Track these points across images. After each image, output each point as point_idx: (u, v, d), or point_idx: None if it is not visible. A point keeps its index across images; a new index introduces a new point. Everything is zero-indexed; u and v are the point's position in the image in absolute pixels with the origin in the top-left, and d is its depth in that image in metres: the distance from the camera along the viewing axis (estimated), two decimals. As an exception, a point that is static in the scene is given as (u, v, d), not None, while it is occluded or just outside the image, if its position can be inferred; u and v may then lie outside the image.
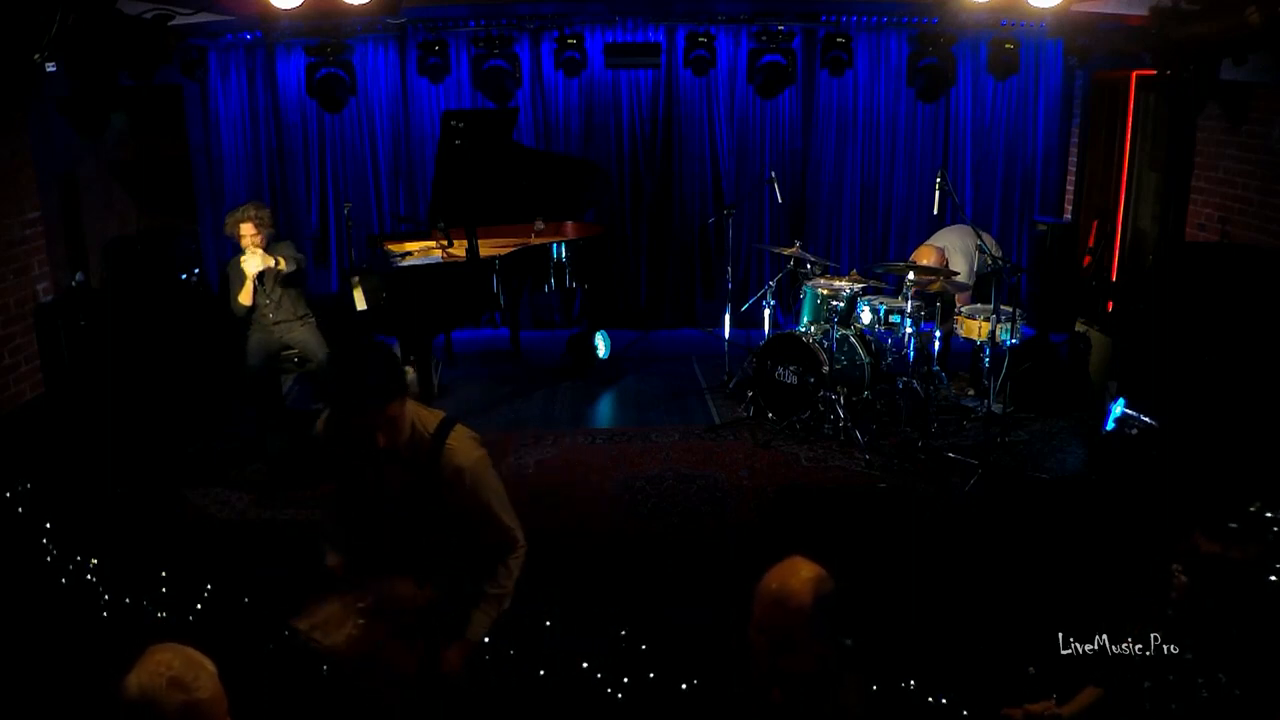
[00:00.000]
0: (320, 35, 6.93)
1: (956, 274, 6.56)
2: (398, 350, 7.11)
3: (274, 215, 5.94)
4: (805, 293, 6.78)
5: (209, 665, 2.01)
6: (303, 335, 5.97)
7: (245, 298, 5.78)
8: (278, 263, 5.61)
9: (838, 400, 6.17)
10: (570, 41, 7.64)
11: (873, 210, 8.73)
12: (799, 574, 2.20)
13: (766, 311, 7.07)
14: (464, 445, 2.81)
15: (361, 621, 2.76)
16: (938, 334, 6.35)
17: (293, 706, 3.12)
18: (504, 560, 2.91)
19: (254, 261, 5.59)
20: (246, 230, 5.71)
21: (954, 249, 7.14)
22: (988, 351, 6.14)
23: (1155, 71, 6.10)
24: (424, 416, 2.83)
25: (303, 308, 6.04)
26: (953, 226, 7.69)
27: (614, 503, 5.39)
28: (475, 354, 8.13)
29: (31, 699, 3.50)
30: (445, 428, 2.81)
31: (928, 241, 7.33)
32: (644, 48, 7.95)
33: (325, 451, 2.90)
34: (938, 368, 6.54)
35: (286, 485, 5.49)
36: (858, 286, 6.56)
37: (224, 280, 6.18)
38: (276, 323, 5.92)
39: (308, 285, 6.20)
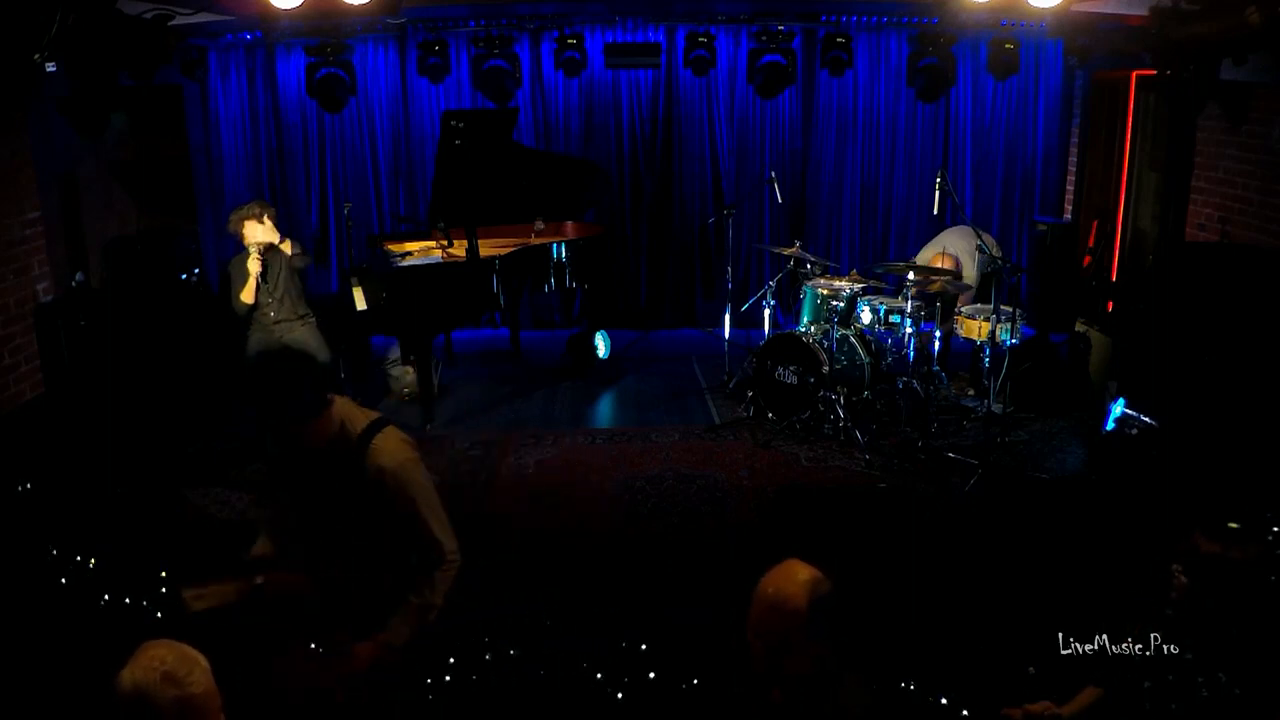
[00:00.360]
0: (320, 35, 6.93)
1: (966, 280, 6.57)
2: (398, 349, 7.13)
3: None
4: (805, 293, 6.78)
5: (202, 661, 2.02)
6: (303, 335, 5.98)
7: (248, 295, 5.79)
8: (282, 241, 5.66)
9: (838, 400, 6.17)
10: (570, 41, 7.64)
11: (873, 210, 8.73)
12: (795, 578, 2.19)
13: (766, 311, 7.07)
14: (390, 446, 2.74)
15: (240, 602, 2.74)
16: (938, 334, 6.35)
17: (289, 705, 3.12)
18: (430, 572, 2.80)
19: (260, 232, 5.62)
20: (251, 228, 5.74)
21: (963, 252, 7.15)
22: (988, 351, 6.14)
23: (1155, 71, 6.10)
24: (354, 416, 2.78)
25: (303, 307, 6.04)
26: (954, 228, 7.68)
27: (614, 503, 5.39)
28: (475, 354, 8.13)
29: (31, 699, 3.49)
30: (373, 429, 2.76)
31: (936, 247, 7.28)
32: (644, 48, 7.95)
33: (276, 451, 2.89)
34: (938, 368, 6.54)
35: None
36: (858, 286, 6.56)
37: (225, 279, 6.18)
38: (277, 322, 5.93)
39: (308, 285, 6.21)
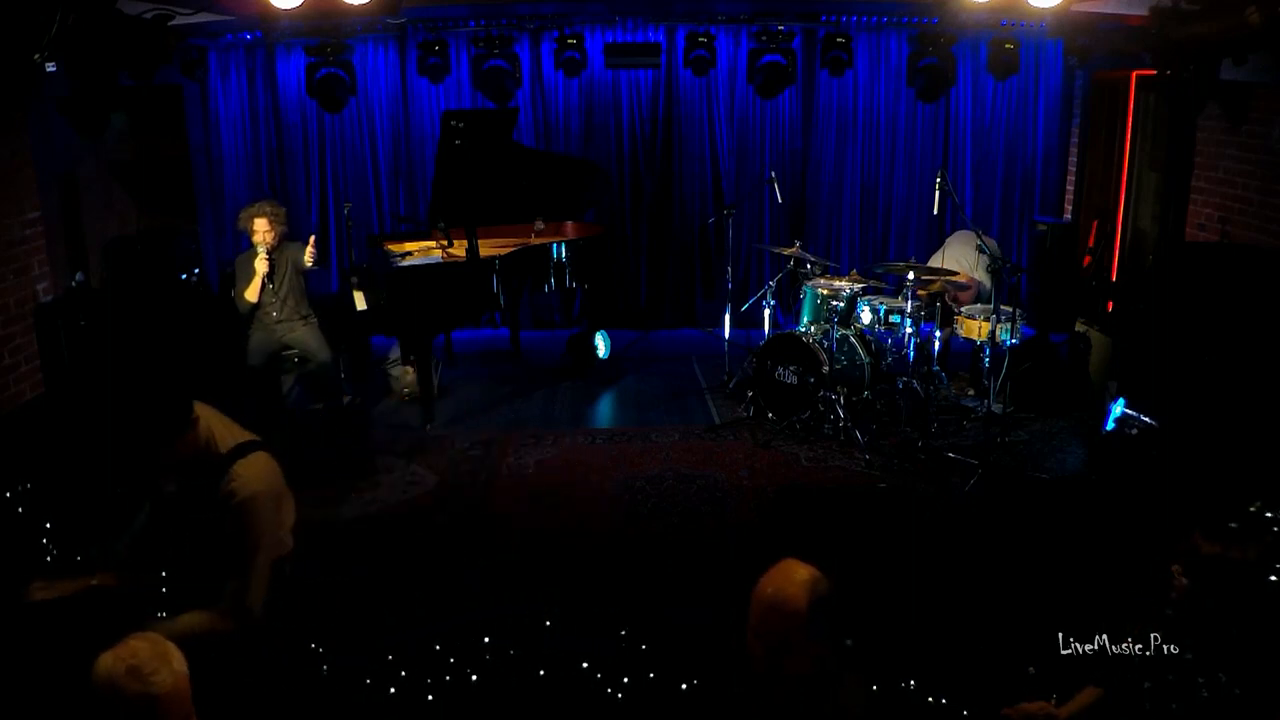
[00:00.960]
0: (320, 35, 6.93)
1: (984, 283, 6.58)
2: (398, 349, 7.12)
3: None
4: (805, 293, 6.78)
5: (175, 661, 2.02)
6: (303, 335, 5.99)
7: (252, 294, 5.82)
8: (307, 257, 5.87)
9: (838, 400, 6.17)
10: (570, 41, 7.64)
11: (873, 210, 8.73)
12: (794, 577, 2.19)
13: (766, 311, 7.07)
14: (249, 474, 2.73)
15: (72, 598, 2.79)
16: (938, 335, 6.36)
17: (283, 706, 3.12)
18: (215, 606, 2.73)
19: (308, 254, 5.86)
20: (260, 226, 5.77)
21: (971, 263, 7.15)
22: (988, 351, 6.14)
23: (1155, 71, 6.10)
24: (221, 435, 2.77)
25: (305, 307, 6.07)
26: (956, 235, 7.68)
27: (614, 503, 5.39)
28: (475, 354, 8.13)
29: (31, 700, 3.49)
30: (239, 452, 2.75)
31: (948, 262, 7.24)
32: (644, 48, 7.95)
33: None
34: (938, 368, 6.54)
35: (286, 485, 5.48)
36: (858, 286, 6.56)
37: (229, 276, 6.19)
38: (278, 321, 5.95)
39: (309, 285, 6.23)
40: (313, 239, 5.97)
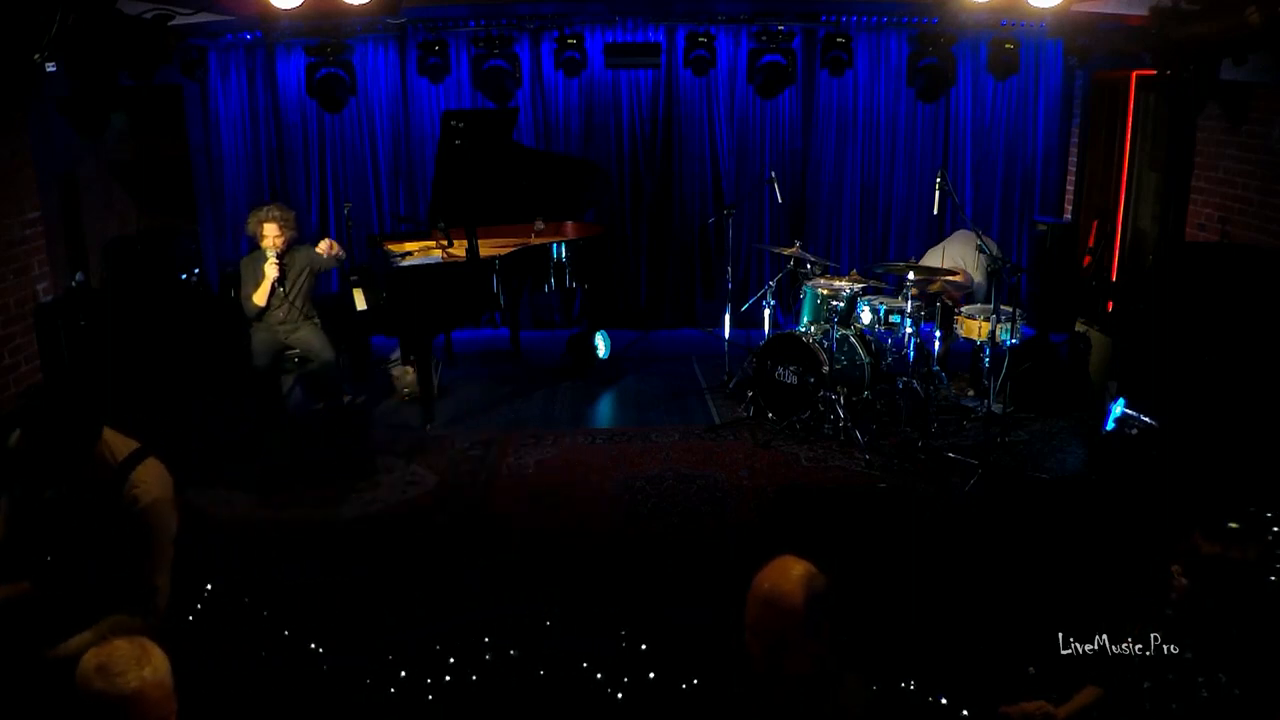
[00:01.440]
0: (320, 35, 6.94)
1: (977, 280, 6.59)
2: (399, 349, 7.11)
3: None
4: (805, 293, 6.78)
5: (148, 666, 2.03)
6: (307, 335, 6.00)
7: (260, 298, 5.81)
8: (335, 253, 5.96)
9: (838, 400, 6.17)
10: (570, 41, 7.64)
11: (873, 210, 8.74)
12: (789, 574, 2.19)
13: (766, 311, 7.07)
14: (149, 479, 2.82)
15: None
16: (938, 334, 6.36)
17: (284, 707, 3.12)
18: (129, 612, 2.78)
19: (331, 251, 5.92)
20: (270, 230, 5.75)
21: (970, 262, 7.15)
22: (988, 351, 6.14)
23: (1155, 71, 6.10)
24: (114, 444, 2.84)
25: (309, 308, 6.08)
26: (956, 234, 7.68)
27: (614, 503, 5.39)
28: (475, 354, 8.13)
29: (32, 702, 3.49)
30: (135, 458, 2.82)
31: (947, 261, 7.26)
32: (644, 48, 7.95)
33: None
34: (938, 368, 6.54)
35: (286, 485, 5.49)
36: (858, 286, 6.56)
37: (234, 276, 6.18)
38: (281, 322, 5.94)
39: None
40: (328, 239, 5.99)
